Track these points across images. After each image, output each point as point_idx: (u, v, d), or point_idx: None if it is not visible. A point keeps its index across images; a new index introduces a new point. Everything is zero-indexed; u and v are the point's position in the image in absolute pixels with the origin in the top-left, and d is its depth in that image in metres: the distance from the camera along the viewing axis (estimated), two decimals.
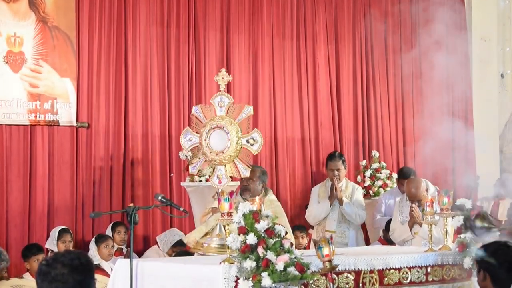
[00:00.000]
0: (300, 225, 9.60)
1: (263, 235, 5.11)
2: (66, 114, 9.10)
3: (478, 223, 6.34)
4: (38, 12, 9.02)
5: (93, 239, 8.46)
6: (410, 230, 7.87)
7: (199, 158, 6.78)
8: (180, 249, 8.79)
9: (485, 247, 4.94)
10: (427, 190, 7.92)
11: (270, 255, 5.03)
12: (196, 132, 6.57)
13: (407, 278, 6.17)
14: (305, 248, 9.11)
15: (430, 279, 6.30)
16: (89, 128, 9.29)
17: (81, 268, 3.41)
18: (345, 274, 5.78)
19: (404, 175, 9.44)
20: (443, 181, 10.74)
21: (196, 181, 9.13)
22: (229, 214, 5.44)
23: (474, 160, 12.15)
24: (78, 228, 9.11)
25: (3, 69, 8.78)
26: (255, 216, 5.17)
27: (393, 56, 11.76)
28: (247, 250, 5.08)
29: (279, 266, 5.00)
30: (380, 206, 9.65)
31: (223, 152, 6.40)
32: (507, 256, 4.73)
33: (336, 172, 8.88)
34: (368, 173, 10.49)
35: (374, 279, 5.96)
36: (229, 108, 6.50)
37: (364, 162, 10.68)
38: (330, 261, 5.25)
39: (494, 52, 12.73)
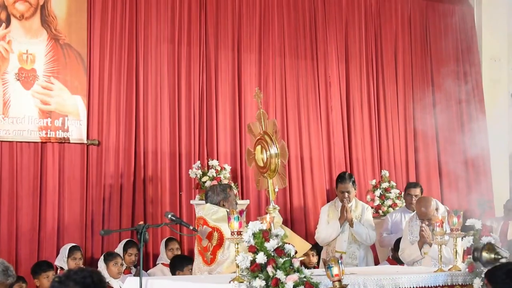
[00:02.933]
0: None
1: (272, 254, 5.10)
2: (77, 132, 9.12)
3: (485, 254, 6.31)
4: (50, 30, 9.06)
5: (102, 256, 8.44)
6: (420, 250, 7.84)
7: None
8: (172, 243, 8.98)
9: (499, 267, 4.95)
10: (437, 209, 7.90)
11: (280, 274, 5.03)
12: None
13: None
14: (314, 267, 9.08)
15: None
16: (99, 146, 9.30)
17: (93, 287, 3.42)
18: None
19: (410, 184, 9.62)
20: (457, 200, 10.78)
21: None
22: (239, 233, 5.44)
23: (491, 180, 12.20)
24: (87, 245, 9.09)
25: (15, 86, 8.82)
26: (265, 235, 5.17)
27: (403, 75, 11.76)
28: (256, 269, 5.08)
29: (289, 286, 4.99)
30: (386, 224, 9.63)
31: None
32: None
33: (346, 194, 8.88)
34: (377, 192, 10.47)
35: None
36: None
37: (373, 182, 10.65)
38: (339, 280, 5.25)
39: (504, 72, 12.74)
